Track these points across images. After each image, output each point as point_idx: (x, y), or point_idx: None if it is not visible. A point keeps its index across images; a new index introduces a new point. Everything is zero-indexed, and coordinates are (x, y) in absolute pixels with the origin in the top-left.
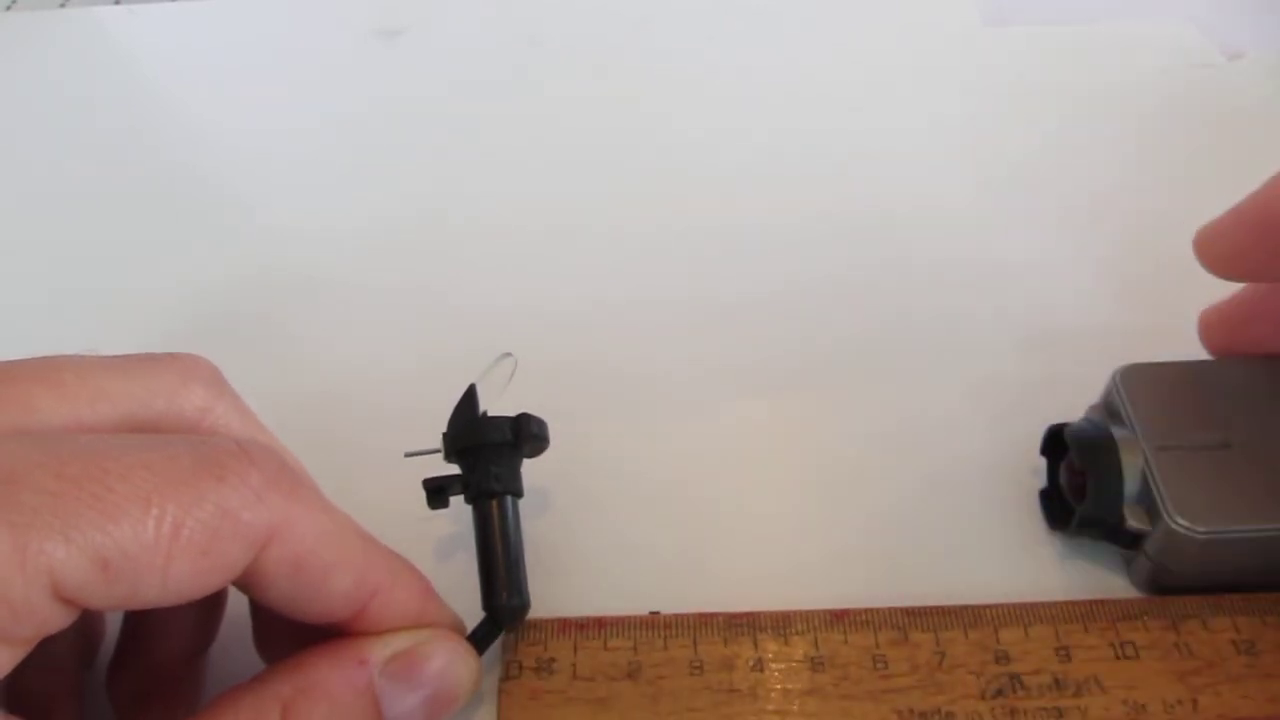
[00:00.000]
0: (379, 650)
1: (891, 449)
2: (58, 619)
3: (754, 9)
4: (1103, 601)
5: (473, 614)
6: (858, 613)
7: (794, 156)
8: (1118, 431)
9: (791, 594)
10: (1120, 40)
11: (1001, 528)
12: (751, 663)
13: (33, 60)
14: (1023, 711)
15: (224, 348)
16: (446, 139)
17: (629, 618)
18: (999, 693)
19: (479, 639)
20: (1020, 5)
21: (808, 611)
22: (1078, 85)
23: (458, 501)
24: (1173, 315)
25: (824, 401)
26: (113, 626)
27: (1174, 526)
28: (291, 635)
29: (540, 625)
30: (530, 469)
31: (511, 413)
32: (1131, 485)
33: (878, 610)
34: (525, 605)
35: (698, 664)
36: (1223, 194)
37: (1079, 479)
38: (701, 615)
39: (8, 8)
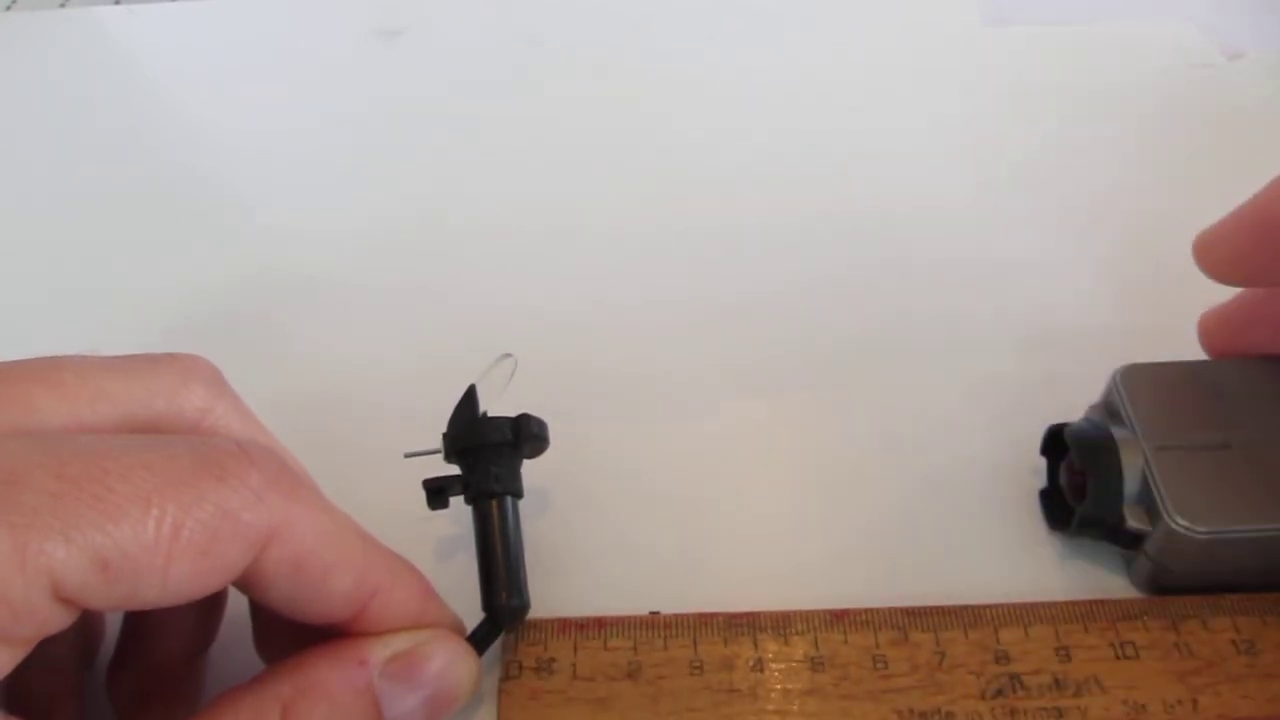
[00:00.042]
0: (379, 650)
1: (891, 449)
2: (58, 619)
3: (754, 9)
4: (1103, 601)
5: (473, 614)
6: (858, 613)
7: (794, 156)
8: (1118, 431)
9: (791, 594)
10: (1120, 40)
11: (1001, 528)
12: (751, 663)
13: (33, 60)
14: (1023, 711)
15: (224, 348)
16: (446, 139)
17: (629, 618)
18: (999, 693)
19: (479, 639)
20: (1020, 5)
21: (808, 611)
22: (1078, 85)
23: (458, 502)
24: (1173, 315)
25: (824, 401)
26: (113, 626)
27: (1174, 526)
28: (291, 635)
29: (540, 625)
30: (530, 469)
31: (511, 413)
32: (1131, 485)
33: (878, 610)
34: (525, 606)
35: (698, 664)
36: (1223, 194)
37: (1079, 479)
38: (701, 615)
39: (8, 8)
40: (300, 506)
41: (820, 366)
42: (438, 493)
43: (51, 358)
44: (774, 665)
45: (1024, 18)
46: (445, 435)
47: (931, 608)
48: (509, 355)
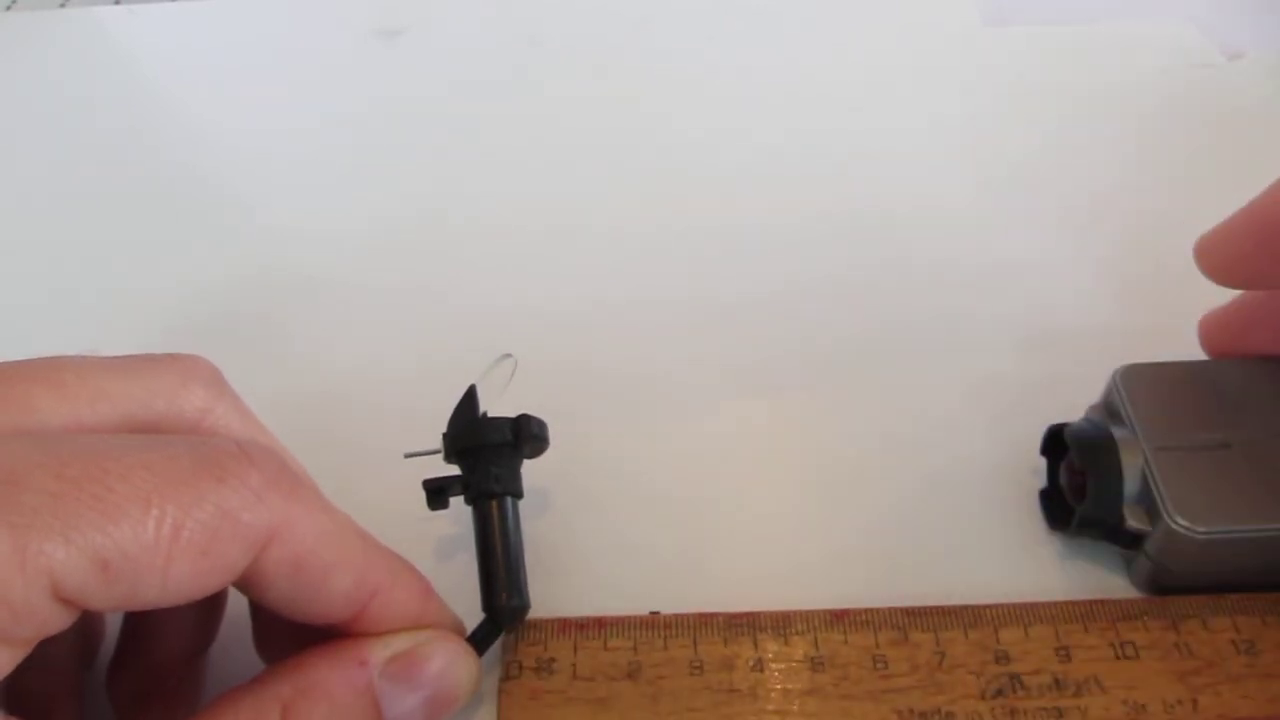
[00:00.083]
0: (379, 651)
1: (891, 449)
2: (57, 620)
3: (754, 9)
4: (1103, 601)
5: (473, 614)
6: (858, 613)
7: (794, 156)
8: (1118, 431)
9: (791, 594)
10: (1120, 40)
11: (1001, 528)
12: (751, 663)
13: (33, 60)
14: (1023, 711)
15: (224, 348)
16: (446, 139)
17: (629, 618)
18: (999, 693)
19: (479, 640)
20: (1020, 5)
21: (808, 611)
22: (1078, 85)
23: (457, 502)
24: (1173, 315)
25: (824, 401)
26: (113, 626)
27: (1174, 526)
28: (291, 636)
29: (540, 625)
30: (530, 469)
31: (511, 413)
32: (1131, 485)
33: (878, 610)
34: (525, 606)
35: (698, 664)
36: (1223, 194)
37: (1079, 479)
38: (701, 615)
39: (8, 8)
40: (300, 507)
41: (820, 366)
42: (438, 493)
43: (52, 358)
44: (774, 665)
45: (1024, 18)
46: (445, 435)
47: (931, 608)
48: (509, 355)
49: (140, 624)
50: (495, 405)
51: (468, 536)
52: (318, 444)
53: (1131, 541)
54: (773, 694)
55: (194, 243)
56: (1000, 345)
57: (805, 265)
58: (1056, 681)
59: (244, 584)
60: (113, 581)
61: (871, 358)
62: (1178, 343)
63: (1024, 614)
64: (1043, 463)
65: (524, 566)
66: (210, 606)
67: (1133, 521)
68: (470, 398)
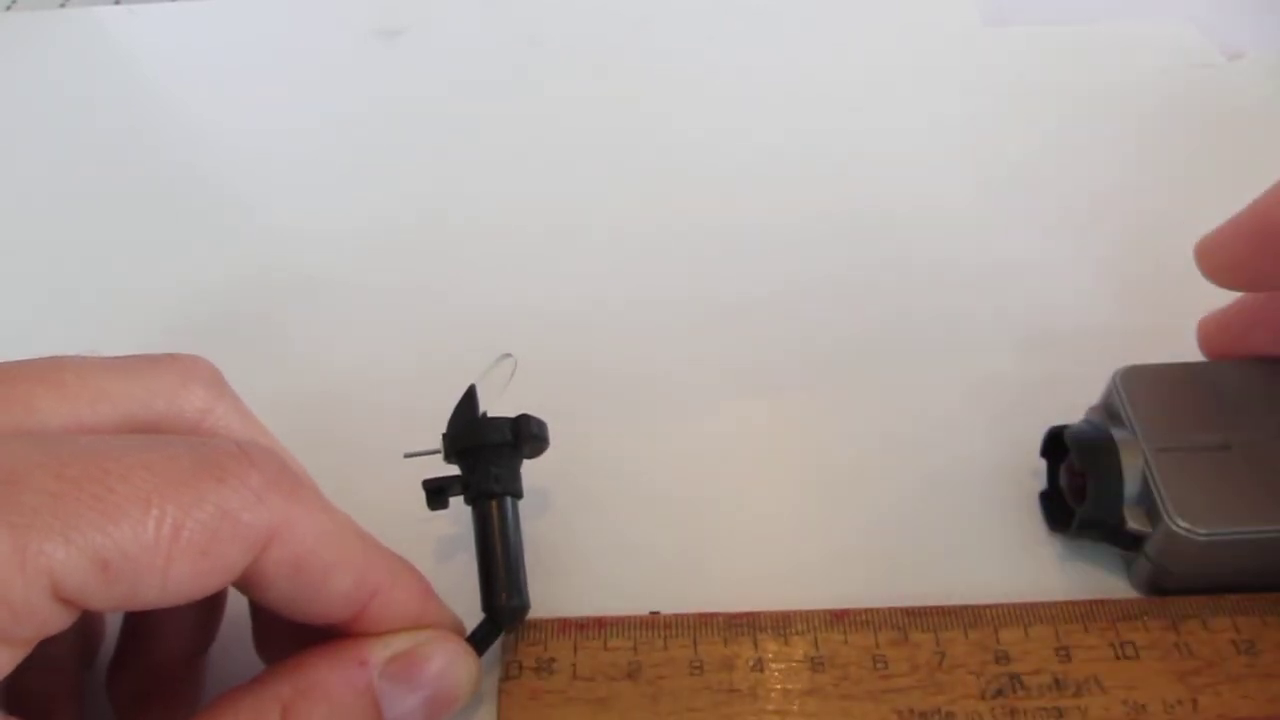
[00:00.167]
0: (379, 651)
1: (891, 449)
2: (57, 620)
3: (754, 9)
4: (1103, 601)
5: (473, 615)
6: (858, 613)
7: (794, 156)
8: (1118, 433)
9: (791, 594)
10: (1120, 40)
11: (1001, 529)
12: (751, 663)
13: (33, 60)
14: (1023, 711)
15: (224, 348)
16: (446, 139)
17: (629, 618)
18: (999, 693)
19: (479, 640)
20: (1020, 5)
21: (808, 611)
22: (1078, 85)
23: (457, 502)
24: (1173, 316)
25: (824, 401)
26: (113, 626)
27: (1174, 528)
28: (291, 636)
29: (540, 625)
30: (530, 469)
31: (511, 413)
32: (1132, 487)
33: (878, 610)
34: (525, 606)
35: (698, 664)
36: (1223, 194)
37: (1079, 481)
38: (701, 615)
39: (8, 8)
40: (300, 507)
41: (820, 366)
42: (437, 493)
43: (52, 358)
44: (774, 665)
45: (1024, 18)
46: (445, 435)
47: (931, 608)
48: (509, 355)
49: (140, 624)
50: (495, 405)
51: (467, 536)
52: (318, 444)
53: (1132, 543)
54: (773, 694)
55: (194, 243)
56: (1000, 345)
57: (805, 265)
58: (1056, 681)
59: (244, 584)
60: (113, 581)
61: (871, 358)
62: (1178, 343)
63: (1024, 614)
64: (1043, 463)
65: (524, 566)
66: (210, 606)
67: (1133, 523)
68: (470, 398)
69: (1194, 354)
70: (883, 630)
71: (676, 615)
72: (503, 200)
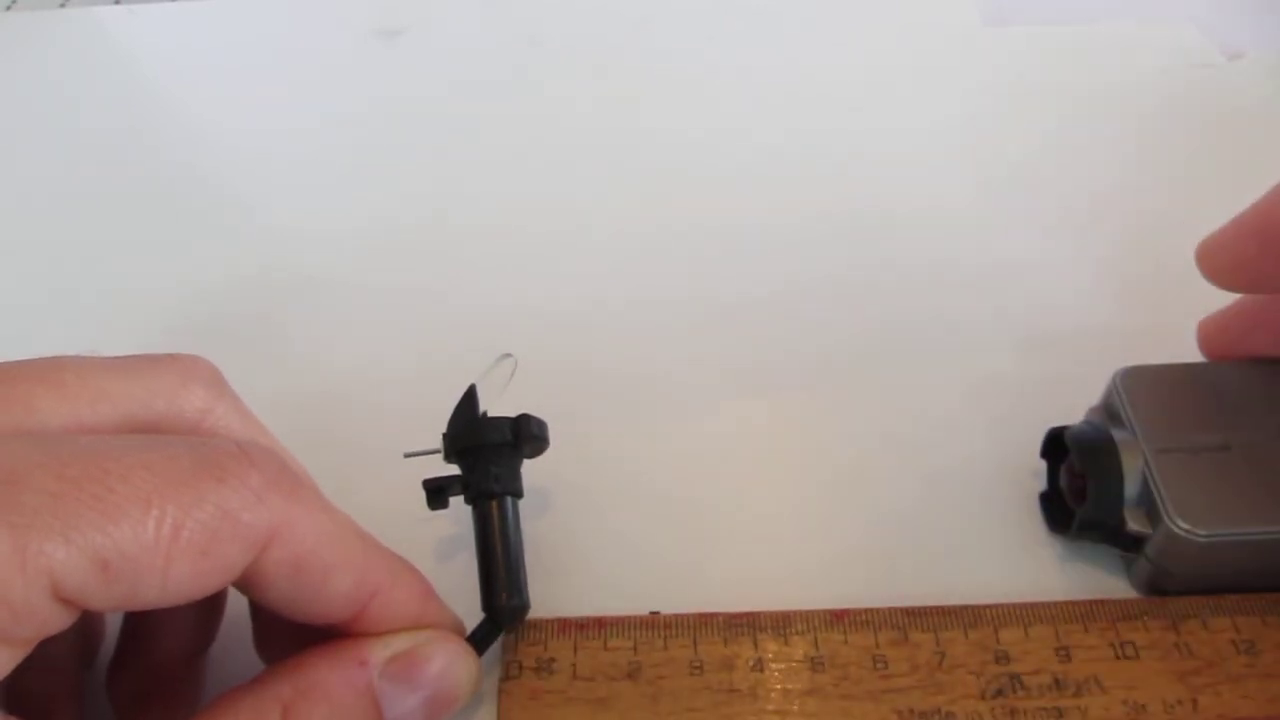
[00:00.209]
0: (379, 651)
1: (891, 449)
2: (57, 620)
3: (754, 9)
4: (1103, 601)
5: (473, 615)
6: (858, 613)
7: (794, 156)
8: (1118, 434)
9: (791, 594)
10: (1120, 40)
11: (1001, 529)
12: (751, 663)
13: (33, 60)
14: (1023, 711)
15: (224, 348)
16: (446, 139)
17: (629, 618)
18: (999, 693)
19: (479, 640)
20: (1020, 5)
21: (808, 611)
22: (1078, 85)
23: (457, 502)
24: (1173, 316)
25: (824, 401)
26: (113, 626)
27: (1174, 529)
28: (291, 636)
29: (540, 625)
30: (530, 469)
31: (511, 413)
32: (1132, 488)
33: (878, 610)
34: (525, 606)
35: (698, 664)
36: (1223, 194)
37: (1079, 482)
38: (701, 615)
39: (8, 8)
40: (300, 507)
41: (820, 366)
42: (438, 493)
43: (52, 358)
44: (774, 665)
45: (1024, 18)
46: (445, 435)
47: (931, 608)
48: (509, 355)
49: (140, 624)
50: (495, 405)
51: (468, 536)
52: (318, 444)
53: (1132, 544)
54: (773, 694)
55: (194, 243)
56: (1000, 345)
57: (805, 265)
58: (1056, 681)
59: (244, 584)
60: (113, 581)
61: (871, 358)
62: (1178, 344)
63: (1024, 614)
64: (1043, 464)
65: (524, 566)
66: (210, 606)
67: (1133, 524)
68: (470, 397)
69: (1194, 354)
70: (883, 630)
71: (676, 615)
72: (503, 200)
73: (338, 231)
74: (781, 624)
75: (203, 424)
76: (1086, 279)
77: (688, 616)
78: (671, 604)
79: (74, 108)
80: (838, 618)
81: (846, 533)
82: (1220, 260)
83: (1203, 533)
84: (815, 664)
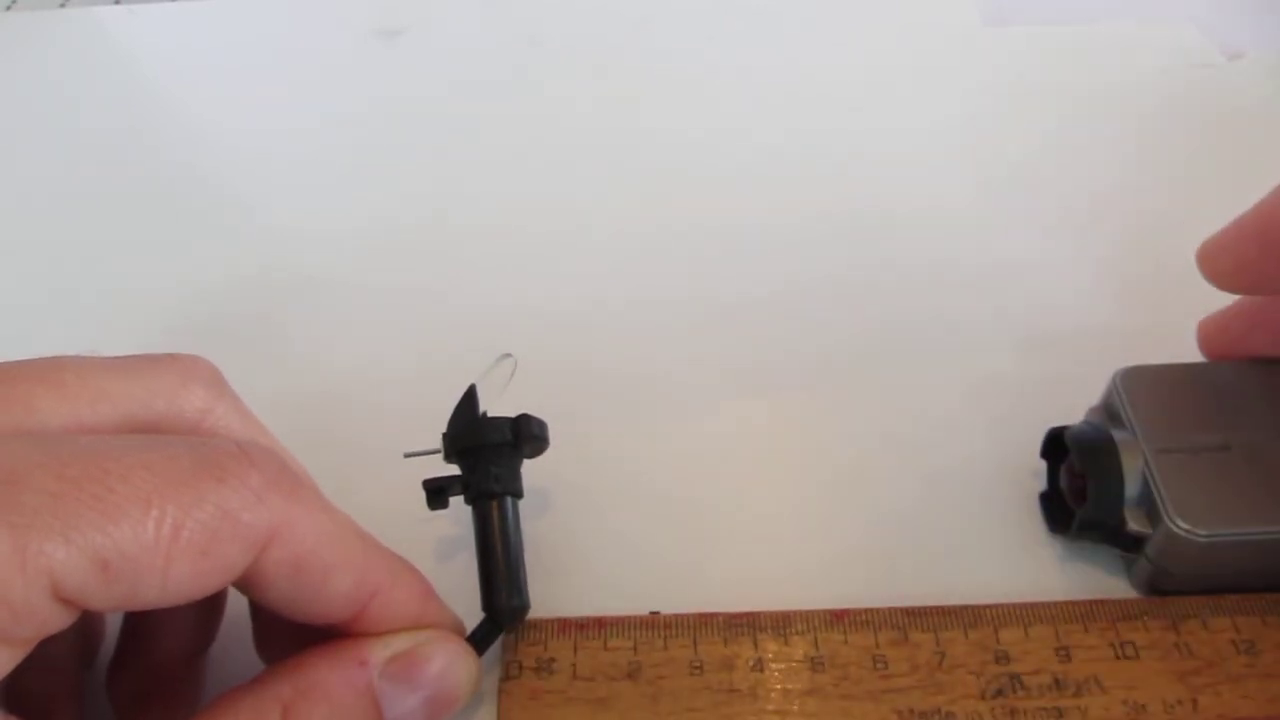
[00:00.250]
0: (379, 651)
1: (891, 449)
2: (57, 620)
3: (754, 9)
4: (1103, 601)
5: (473, 615)
6: (858, 613)
7: (794, 156)
8: (1118, 434)
9: (791, 594)
10: (1120, 40)
11: (1001, 529)
12: (751, 663)
13: (33, 60)
14: (1023, 711)
15: (224, 348)
16: (446, 139)
17: (629, 618)
18: (999, 693)
19: (479, 640)
20: (1020, 5)
21: (808, 611)
22: (1078, 85)
23: (457, 502)
24: (1173, 316)
25: (824, 401)
26: (113, 626)
27: (1175, 529)
28: (291, 636)
29: (540, 625)
30: (530, 469)
31: (511, 413)
32: (1132, 488)
33: (878, 610)
34: (525, 606)
35: (698, 664)
36: (1223, 194)
37: (1079, 482)
38: (701, 615)
39: (8, 8)
40: (300, 507)
41: (820, 366)
42: (438, 493)
43: (52, 358)
44: (774, 665)
45: (1024, 18)
46: (445, 435)
47: (931, 608)
48: (509, 355)
49: (140, 624)
50: (495, 405)
51: (468, 536)
52: (318, 444)
53: (1132, 544)
54: (773, 694)
55: (194, 243)
56: (1000, 345)
57: (805, 265)
58: (1056, 681)
59: (244, 584)
60: (113, 581)
61: (871, 358)
62: (1178, 344)
63: (1024, 614)
64: (1043, 464)
65: (524, 566)
66: (210, 606)
67: (1133, 524)
68: (470, 397)
69: (1194, 354)
70: (883, 630)
71: (676, 615)
72: (503, 200)
73: (338, 231)
74: (781, 624)
75: (203, 424)
76: (1086, 279)
77: (688, 616)
78: (671, 604)
79: (74, 108)
80: (838, 618)
81: (846, 533)
82: (1221, 262)
83: (1203, 533)
84: (815, 664)
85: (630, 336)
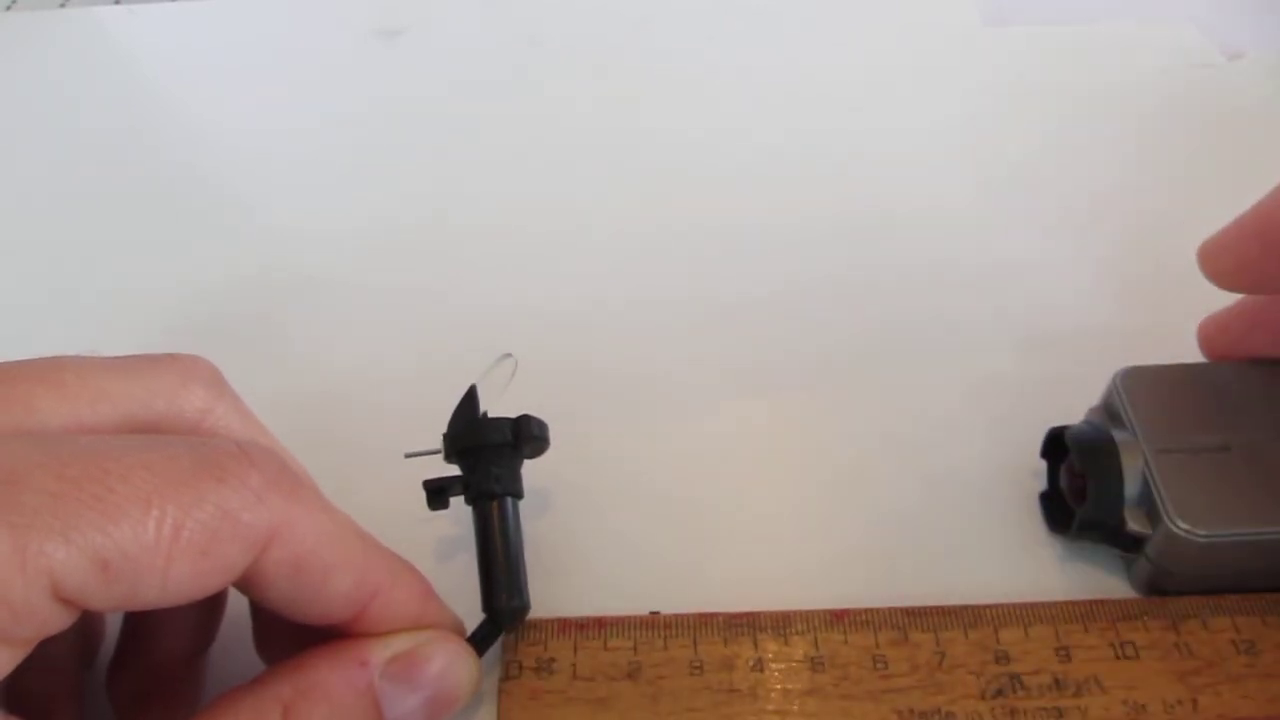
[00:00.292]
0: (379, 651)
1: (891, 449)
2: (58, 620)
3: (754, 9)
4: (1103, 601)
5: (473, 615)
6: (858, 613)
7: (794, 156)
8: (1118, 434)
9: (791, 594)
10: (1120, 40)
11: (1001, 529)
12: (751, 663)
13: (33, 60)
14: (1023, 711)
15: (224, 348)
16: (446, 139)
17: (629, 618)
18: (999, 693)
19: (479, 640)
20: (1020, 5)
21: (808, 611)
22: (1078, 85)
23: (458, 502)
24: (1173, 316)
25: (824, 401)
26: (113, 626)
27: (1174, 529)
28: (292, 636)
29: (540, 625)
30: (530, 469)
31: (512, 414)
32: (1132, 488)
33: (878, 610)
34: (525, 606)
35: (698, 664)
36: (1223, 194)
37: (1079, 482)
38: (701, 615)
39: (8, 8)
40: (300, 507)
41: (820, 366)
42: (438, 493)
43: (52, 358)
44: (774, 665)
45: (1024, 18)
46: (445, 436)
47: (931, 608)
48: (509, 355)
49: (140, 624)
50: (495, 405)
51: (468, 537)
52: (318, 444)
53: (1132, 544)
54: (773, 694)
55: (194, 243)
56: (1000, 345)
57: (805, 265)
58: (1056, 681)
59: (244, 584)
60: (113, 581)
61: (871, 358)
62: (1178, 344)
63: (1024, 614)
64: (1043, 464)
65: (524, 567)
66: (210, 607)
67: (1133, 524)
68: (471, 398)
69: (1194, 355)
70: (883, 630)
71: (676, 615)
72: (503, 200)
73: (338, 231)
74: (781, 624)
75: (203, 424)
76: (1086, 279)
77: (688, 616)
78: (671, 604)
79: (74, 108)
80: (838, 618)
81: (846, 533)
82: (1222, 261)
83: (1203, 533)
84: (815, 664)
85: (630, 336)
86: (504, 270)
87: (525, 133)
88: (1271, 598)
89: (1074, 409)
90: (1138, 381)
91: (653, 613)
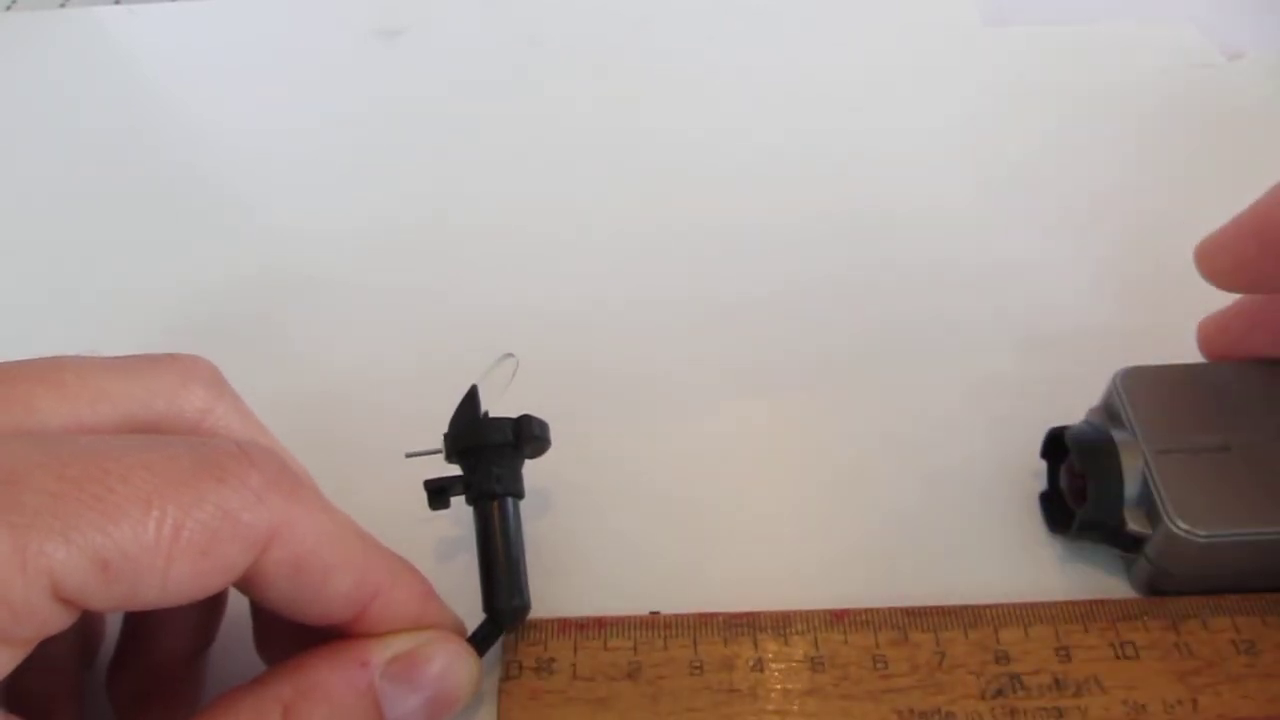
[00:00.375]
0: (380, 652)
1: (891, 449)
2: (58, 620)
3: (754, 9)
4: (1103, 601)
5: (474, 615)
6: (858, 613)
7: (794, 156)
8: (1118, 434)
9: (791, 594)
10: (1120, 40)
11: (1001, 529)
12: (751, 663)
13: (33, 60)
14: (1023, 711)
15: (224, 348)
16: (446, 139)
17: (629, 618)
18: (999, 693)
19: (479, 640)
20: (1020, 5)
21: (808, 611)
22: (1078, 85)
23: (458, 502)
24: (1173, 316)
25: (824, 401)
26: (113, 626)
27: (1174, 530)
28: (292, 636)
29: (540, 625)
30: (531, 469)
31: (513, 414)
32: (1132, 488)
33: (878, 610)
34: (526, 606)
35: (698, 664)
36: (1223, 194)
37: (1079, 482)
38: (701, 615)
39: (8, 8)
40: (301, 507)
41: (820, 366)
42: (439, 493)
43: (52, 358)
44: (774, 665)
45: (1024, 18)
46: (446, 435)
47: (931, 608)
48: (510, 355)
49: (140, 624)
50: (496, 405)
51: (468, 537)
52: (318, 444)
53: (1132, 544)
54: (773, 694)
55: (194, 243)
56: (1000, 345)
57: (805, 265)
58: (1056, 681)
59: (244, 584)
60: (113, 581)
61: (871, 358)
62: (1178, 344)
63: (1024, 614)
64: (1043, 464)
65: (525, 567)
66: (210, 607)
67: (1133, 524)
68: (471, 398)
69: (1194, 355)
70: (883, 630)
71: (676, 615)
72: (503, 200)
73: (338, 231)
74: (781, 624)
75: (203, 424)
76: (1086, 279)
77: (688, 616)
78: (671, 604)
79: (74, 108)
80: (838, 618)
81: (846, 533)
82: (1220, 261)
83: (1203, 533)
84: (815, 664)
85: (630, 336)
86: (504, 270)
87: (525, 133)
88: (1271, 598)
89: (1074, 409)
90: (1138, 382)
91: (653, 613)
